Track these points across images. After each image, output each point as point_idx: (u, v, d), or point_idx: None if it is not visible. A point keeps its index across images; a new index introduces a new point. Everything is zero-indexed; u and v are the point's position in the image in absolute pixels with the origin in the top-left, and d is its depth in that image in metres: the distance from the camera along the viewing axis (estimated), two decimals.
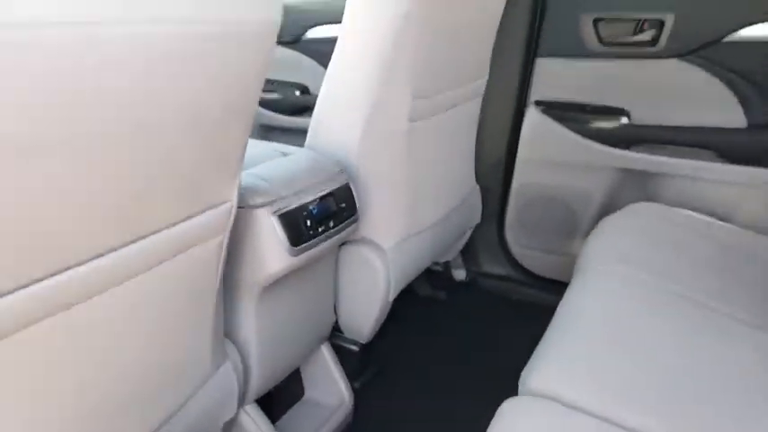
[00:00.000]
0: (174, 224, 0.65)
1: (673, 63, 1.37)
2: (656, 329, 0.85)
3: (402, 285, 1.20)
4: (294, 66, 1.81)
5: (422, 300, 1.59)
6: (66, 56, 0.42)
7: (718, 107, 1.36)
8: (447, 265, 1.62)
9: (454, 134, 1.31)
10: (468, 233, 1.57)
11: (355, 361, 1.21)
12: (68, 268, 0.53)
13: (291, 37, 1.82)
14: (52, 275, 0.51)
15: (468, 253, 1.65)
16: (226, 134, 0.66)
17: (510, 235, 1.64)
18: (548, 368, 0.74)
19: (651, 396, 0.71)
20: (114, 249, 0.57)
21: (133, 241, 0.59)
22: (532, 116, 1.51)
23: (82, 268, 0.54)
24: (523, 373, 0.75)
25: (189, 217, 0.67)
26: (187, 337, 0.76)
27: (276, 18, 0.62)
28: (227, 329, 0.88)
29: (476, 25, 1.21)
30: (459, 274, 1.66)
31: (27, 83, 0.40)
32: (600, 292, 0.95)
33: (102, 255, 0.56)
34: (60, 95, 0.43)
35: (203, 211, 0.69)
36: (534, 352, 0.79)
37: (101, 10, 0.43)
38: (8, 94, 0.40)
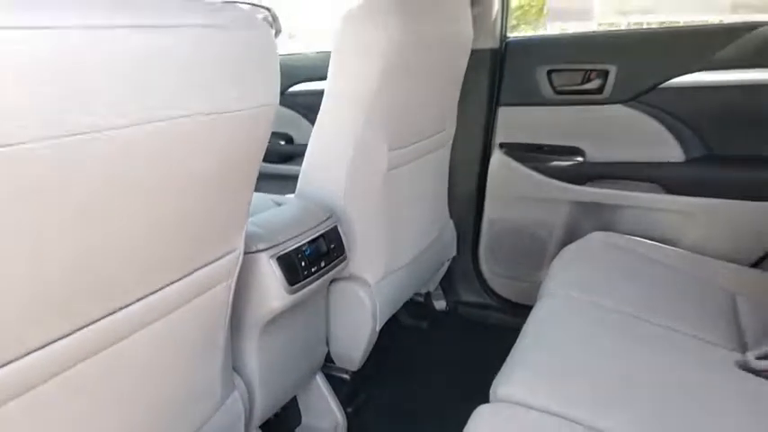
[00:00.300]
0: (192, 273, 0.77)
1: (618, 108, 1.55)
2: (607, 343, 0.99)
3: (387, 316, 1.32)
4: (279, 118, 1.95)
5: (406, 329, 1.72)
6: (96, 157, 0.53)
7: (659, 145, 1.53)
8: (428, 295, 1.75)
9: (427, 178, 1.46)
10: (446, 265, 1.71)
11: (347, 388, 1.33)
12: (102, 318, 0.63)
13: None
14: (88, 325, 0.62)
15: (447, 284, 1.79)
16: (235, 194, 0.80)
17: (484, 265, 1.78)
18: (514, 378, 0.88)
19: (604, 398, 0.84)
20: (141, 299, 0.68)
21: (156, 291, 0.71)
22: (497, 158, 1.68)
23: (114, 316, 0.66)
24: (494, 384, 0.88)
25: (205, 265, 0.79)
26: (201, 370, 0.88)
27: (274, 101, 0.76)
28: (233, 362, 1.00)
29: (442, 84, 1.38)
30: (440, 305, 1.79)
31: (81, 168, 0.52)
32: (559, 313, 1.09)
33: (130, 304, 0.67)
34: (98, 178, 0.55)
35: (217, 260, 0.81)
36: (503, 366, 0.93)
37: (125, 109, 0.54)
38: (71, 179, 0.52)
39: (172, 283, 0.73)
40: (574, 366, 0.92)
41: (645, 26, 1.61)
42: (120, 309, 0.66)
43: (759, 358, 0.97)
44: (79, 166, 0.51)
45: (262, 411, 1.06)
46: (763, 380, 0.93)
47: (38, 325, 0.56)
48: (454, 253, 1.70)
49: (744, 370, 0.96)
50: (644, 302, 1.14)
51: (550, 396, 0.84)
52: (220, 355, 0.90)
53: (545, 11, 1.61)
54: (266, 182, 1.82)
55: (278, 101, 0.77)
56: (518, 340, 1.01)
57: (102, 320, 0.64)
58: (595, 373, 0.90)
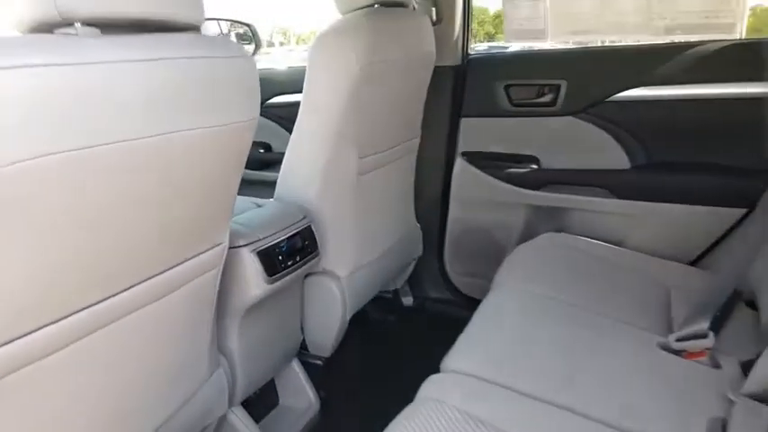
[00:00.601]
0: (184, 261, 0.90)
1: (569, 119, 1.70)
2: (546, 326, 1.13)
3: (356, 308, 1.46)
4: (259, 127, 2.08)
5: (375, 323, 1.85)
6: (119, 164, 0.67)
7: (606, 153, 1.68)
8: (396, 292, 1.89)
9: (394, 183, 1.60)
10: (413, 264, 1.85)
11: (320, 373, 1.46)
12: (107, 299, 0.76)
13: None
14: (93, 305, 0.74)
15: (414, 281, 1.93)
16: (223, 195, 0.93)
17: (448, 264, 1.93)
18: (461, 353, 1.02)
19: (539, 370, 0.98)
20: (140, 283, 0.81)
21: (153, 276, 0.84)
22: (460, 165, 1.82)
23: (116, 298, 0.78)
24: (444, 359, 1.02)
25: (194, 256, 0.92)
26: (191, 346, 1.00)
27: (255, 115, 0.90)
28: (218, 343, 1.12)
29: (407, 97, 1.52)
30: (408, 301, 1.93)
31: (91, 180, 0.65)
32: (505, 302, 1.23)
33: (132, 287, 0.80)
34: (111, 189, 0.68)
35: (205, 251, 0.94)
36: (453, 345, 1.07)
37: (138, 129, 0.67)
38: (83, 189, 0.65)
39: (166, 270, 0.86)
40: (513, 345, 1.06)
41: (591, 46, 1.78)
42: (123, 291, 0.78)
43: (678, 340, 1.12)
44: (100, 170, 0.65)
45: (243, 388, 1.18)
46: (676, 357, 1.09)
47: (54, 303, 0.69)
48: (420, 252, 1.84)
49: (664, 350, 1.11)
50: (584, 294, 1.29)
51: (490, 368, 0.98)
52: (207, 335, 1.03)
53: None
54: (248, 187, 1.95)
55: (258, 115, 0.91)
56: (468, 324, 1.15)
57: (107, 300, 0.76)
58: (532, 348, 1.05)
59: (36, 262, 0.63)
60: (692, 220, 1.59)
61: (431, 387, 0.94)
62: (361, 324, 1.59)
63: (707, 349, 1.09)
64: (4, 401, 0.66)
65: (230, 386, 1.13)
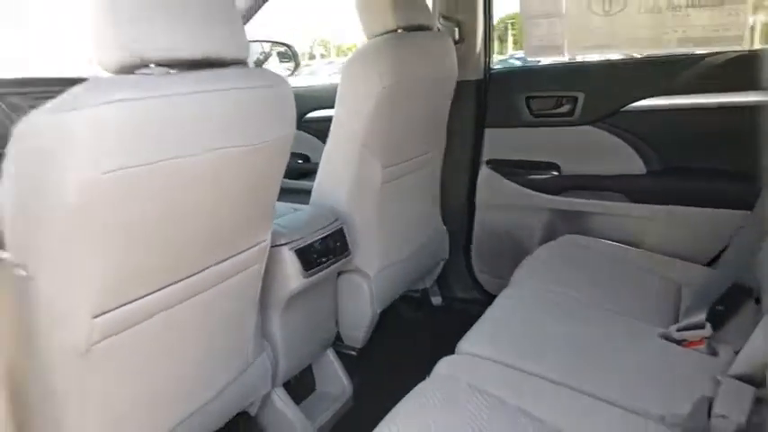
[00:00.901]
0: (232, 257, 1.06)
1: (586, 128, 1.81)
2: (557, 317, 1.24)
3: (385, 303, 1.60)
4: (298, 140, 2.25)
5: (405, 320, 1.99)
6: (182, 174, 0.84)
7: (623, 159, 1.78)
8: (425, 292, 2.02)
9: (418, 190, 1.74)
10: (440, 265, 1.98)
11: (354, 362, 1.60)
12: (170, 285, 0.93)
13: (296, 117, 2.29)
14: (162, 288, 0.91)
15: (442, 282, 2.06)
16: (264, 200, 1.09)
17: (475, 265, 2.05)
18: (473, 339, 1.15)
19: (546, 354, 1.10)
20: (196, 273, 0.98)
21: (207, 268, 1.01)
22: (484, 172, 1.95)
23: (181, 284, 0.95)
24: (459, 343, 1.15)
25: (241, 252, 1.08)
26: (238, 332, 1.17)
27: (291, 132, 1.06)
28: (263, 330, 1.28)
29: (428, 113, 1.67)
30: (436, 300, 2.06)
31: (161, 186, 0.82)
32: (521, 297, 1.35)
33: (189, 276, 0.97)
34: (176, 198, 0.85)
35: (250, 248, 1.11)
36: (468, 331, 1.20)
37: (196, 146, 0.84)
38: (154, 194, 0.82)
39: (218, 263, 1.03)
40: (524, 332, 1.18)
41: (606, 59, 1.88)
42: (183, 279, 0.95)
43: (679, 330, 1.22)
44: (167, 179, 0.81)
45: (284, 371, 1.34)
46: (677, 345, 1.18)
47: (134, 285, 0.87)
48: (447, 254, 1.97)
49: (666, 339, 1.21)
50: (596, 290, 1.38)
51: (500, 350, 1.11)
52: (252, 322, 1.19)
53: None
54: (288, 194, 2.14)
55: (294, 131, 1.07)
56: (484, 314, 1.27)
57: (170, 286, 0.93)
58: (542, 337, 1.16)
59: (122, 252, 0.80)
60: (706, 223, 1.66)
61: (444, 366, 1.07)
62: (393, 321, 1.73)
63: (705, 338, 1.19)
64: (104, 357, 0.85)
65: (273, 368, 1.29)
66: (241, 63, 0.94)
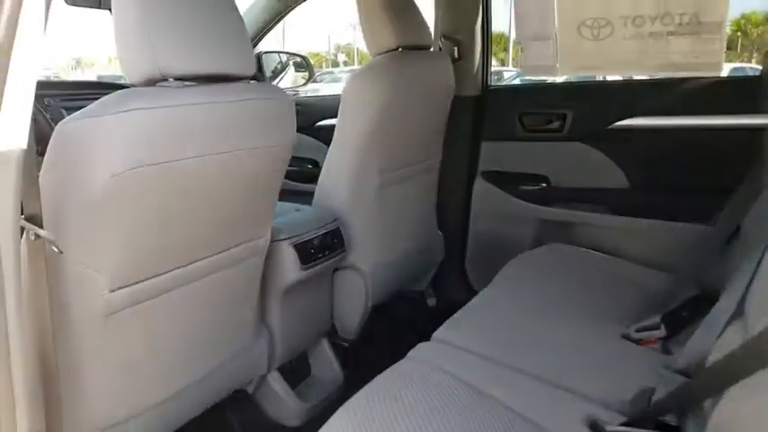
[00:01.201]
0: (235, 246, 1.21)
1: (575, 144, 1.93)
2: (527, 316, 1.36)
3: (378, 299, 1.73)
4: (308, 146, 2.41)
5: (400, 319, 2.11)
6: (193, 172, 0.99)
7: (608, 174, 1.90)
8: (421, 293, 2.15)
9: (415, 195, 1.88)
10: (434, 269, 2.11)
11: (347, 353, 1.74)
12: (183, 266, 1.08)
13: (307, 125, 2.45)
14: (176, 269, 1.07)
15: (437, 284, 2.18)
16: (265, 198, 1.24)
17: (469, 270, 2.17)
18: (448, 328, 1.28)
19: (513, 348, 1.22)
20: (204, 258, 1.13)
21: (214, 254, 1.16)
22: (479, 183, 2.08)
23: (187, 267, 1.10)
24: (435, 332, 1.28)
25: (244, 242, 1.23)
26: (240, 314, 1.31)
27: (292, 140, 1.20)
28: (262, 316, 1.43)
29: (425, 126, 1.81)
30: (431, 301, 2.18)
31: (175, 182, 0.97)
32: (498, 295, 1.48)
33: (199, 260, 1.12)
34: (187, 193, 1.00)
35: (252, 240, 1.25)
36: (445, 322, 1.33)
37: (206, 148, 1.00)
38: (169, 188, 0.97)
39: (223, 251, 1.17)
40: (492, 326, 1.31)
41: (594, 80, 2.01)
42: (194, 262, 1.11)
43: (637, 330, 1.34)
44: (180, 176, 0.96)
45: (280, 355, 1.48)
46: (634, 345, 1.30)
47: (152, 264, 1.02)
48: (442, 257, 2.10)
49: (625, 339, 1.32)
50: (570, 293, 1.49)
51: (471, 341, 1.23)
52: (253, 307, 1.34)
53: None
54: (296, 196, 2.28)
55: (293, 138, 1.21)
56: (462, 308, 1.40)
57: (183, 267, 1.08)
58: (508, 329, 1.29)
59: (137, 237, 0.96)
60: (681, 235, 1.76)
61: (420, 350, 1.20)
62: (388, 318, 1.86)
63: (659, 339, 1.31)
64: (119, 325, 1.00)
65: (270, 351, 1.43)
66: (247, 78, 1.09)
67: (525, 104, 2.00)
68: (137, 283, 0.99)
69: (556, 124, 1.95)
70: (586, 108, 1.91)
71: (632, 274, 1.65)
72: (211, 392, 1.27)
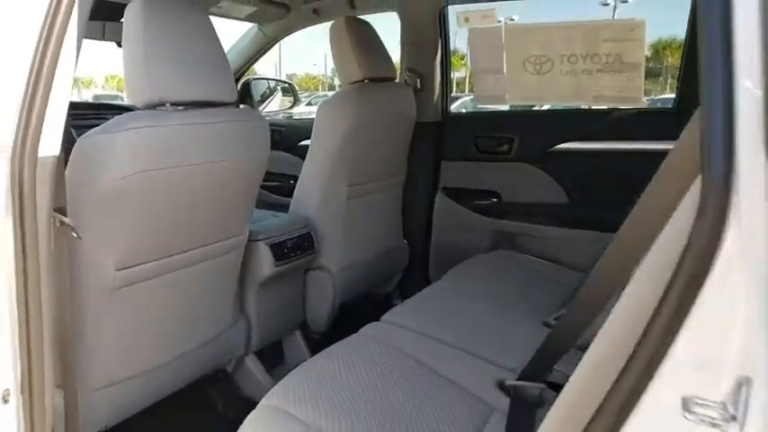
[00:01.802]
0: (216, 242, 1.47)
1: (521, 164, 2.20)
2: (464, 304, 1.61)
3: (345, 297, 1.98)
4: (291, 163, 2.68)
5: (367, 317, 2.35)
6: (182, 178, 1.25)
7: (550, 191, 2.17)
8: (388, 295, 2.40)
9: (380, 208, 2.14)
10: (399, 274, 2.36)
11: (318, 343, 1.98)
12: (174, 255, 1.34)
13: (291, 144, 2.73)
14: (169, 256, 1.32)
15: (402, 287, 2.43)
16: (242, 201, 1.50)
17: (431, 274, 2.42)
18: (396, 311, 1.53)
19: (448, 327, 1.47)
20: (192, 249, 1.39)
21: (198, 246, 1.41)
22: (440, 198, 2.34)
23: (176, 256, 1.35)
24: (383, 315, 1.53)
25: (222, 239, 1.49)
26: (223, 300, 1.57)
27: (266, 155, 1.47)
28: (241, 305, 1.68)
29: (389, 147, 2.08)
30: (397, 303, 2.43)
31: (170, 185, 1.23)
32: (444, 288, 1.74)
33: (187, 250, 1.38)
34: (178, 194, 1.27)
35: (233, 236, 1.51)
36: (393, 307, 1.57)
37: (195, 159, 1.26)
38: (167, 190, 1.23)
39: (206, 244, 1.43)
40: (433, 311, 1.56)
41: (537, 109, 2.29)
42: (184, 252, 1.36)
43: (554, 318, 1.59)
44: (175, 180, 1.23)
45: (256, 341, 1.73)
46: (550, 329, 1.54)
47: (150, 250, 1.27)
48: (406, 263, 2.35)
49: (545, 326, 1.57)
50: (506, 289, 1.76)
51: (414, 321, 1.48)
52: (232, 295, 1.59)
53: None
54: (279, 208, 2.53)
55: (266, 155, 1.47)
56: (411, 297, 1.65)
57: (174, 256, 1.34)
58: (449, 314, 1.54)
59: (137, 228, 1.22)
60: (607, 242, 2.02)
61: (368, 329, 1.45)
62: (356, 317, 2.10)
63: None
64: (122, 299, 1.26)
65: (247, 336, 1.68)
66: (229, 104, 1.36)
67: (479, 129, 2.28)
68: (137, 265, 1.25)
69: (505, 147, 2.22)
70: (531, 133, 2.19)
71: (563, 277, 1.91)
72: (196, 366, 1.51)
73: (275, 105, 3.08)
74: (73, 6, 0.90)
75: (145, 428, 1.46)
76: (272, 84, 3.16)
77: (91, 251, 1.18)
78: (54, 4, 0.89)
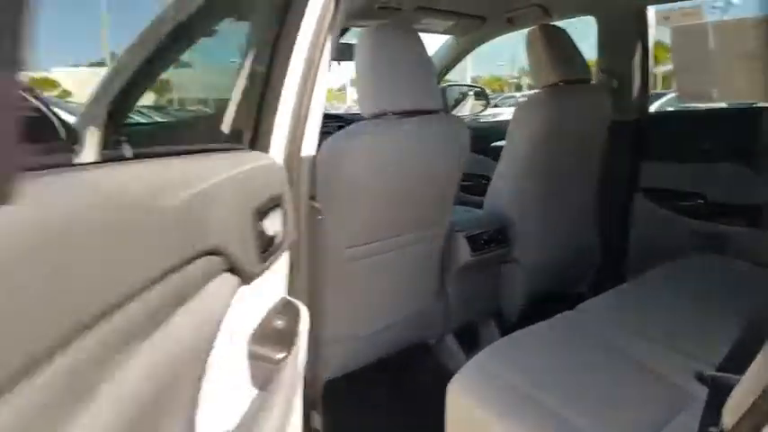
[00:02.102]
0: (426, 228, 1.67)
1: (726, 164, 2.10)
2: (659, 310, 1.62)
3: (536, 291, 2.07)
4: (483, 164, 2.83)
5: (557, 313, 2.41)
6: (405, 174, 1.48)
7: (761, 192, 2.04)
8: (581, 295, 2.40)
9: (574, 206, 2.17)
10: (592, 272, 2.36)
11: (510, 331, 2.10)
12: (383, 239, 1.57)
13: (483, 147, 2.89)
14: (384, 239, 1.56)
15: (596, 287, 2.42)
16: (446, 196, 1.69)
17: (627, 275, 2.38)
18: (589, 303, 1.60)
19: (647, 324, 1.51)
20: (405, 234, 1.61)
21: (411, 232, 1.63)
22: (639, 199, 2.32)
23: (394, 238, 1.58)
24: (579, 305, 1.61)
25: (431, 226, 1.69)
26: (425, 281, 1.78)
27: (464, 154, 1.64)
28: (442, 287, 1.88)
29: (584, 144, 2.11)
30: None
31: (393, 180, 1.47)
32: (638, 289, 1.75)
33: (401, 235, 1.60)
34: (399, 186, 1.50)
35: (436, 226, 1.71)
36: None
37: (410, 160, 1.48)
38: (386, 184, 1.47)
39: (415, 231, 1.65)
40: (630, 311, 1.60)
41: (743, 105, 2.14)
42: (398, 235, 1.59)
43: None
44: (399, 177, 1.46)
45: (454, 320, 1.92)
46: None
47: (370, 234, 1.53)
48: (599, 262, 2.36)
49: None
50: (708, 292, 1.71)
51: (609, 316, 1.55)
52: (434, 278, 1.81)
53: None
54: (471, 205, 2.70)
55: (465, 157, 1.64)
56: (604, 293, 1.70)
57: (392, 238, 1.58)
58: (643, 314, 1.57)
59: (368, 214, 1.48)
60: None
61: (562, 316, 1.55)
62: (550, 313, 2.18)
63: None
64: (351, 271, 1.54)
65: (446, 314, 1.87)
66: (436, 111, 1.56)
67: (681, 127, 2.22)
68: (362, 245, 1.51)
69: (709, 145, 2.14)
70: (736, 131, 2.09)
71: None
72: (404, 335, 1.75)
73: (467, 110, 3.27)
74: (328, 38, 1.14)
75: (360, 384, 1.73)
76: (465, 89, 3.36)
77: (330, 231, 1.45)
78: (320, 41, 1.12)
